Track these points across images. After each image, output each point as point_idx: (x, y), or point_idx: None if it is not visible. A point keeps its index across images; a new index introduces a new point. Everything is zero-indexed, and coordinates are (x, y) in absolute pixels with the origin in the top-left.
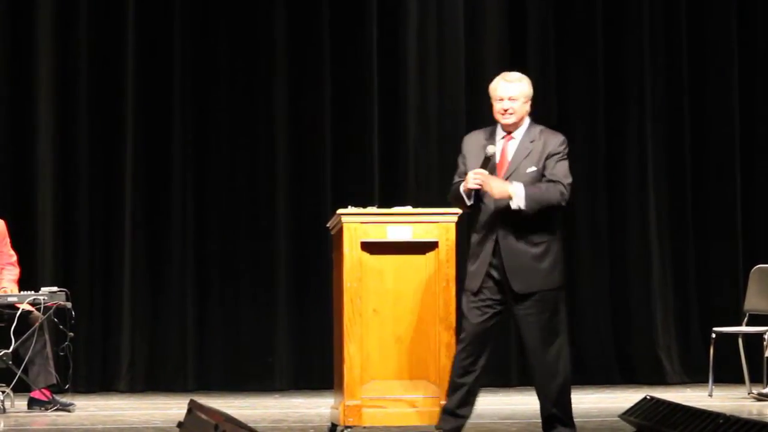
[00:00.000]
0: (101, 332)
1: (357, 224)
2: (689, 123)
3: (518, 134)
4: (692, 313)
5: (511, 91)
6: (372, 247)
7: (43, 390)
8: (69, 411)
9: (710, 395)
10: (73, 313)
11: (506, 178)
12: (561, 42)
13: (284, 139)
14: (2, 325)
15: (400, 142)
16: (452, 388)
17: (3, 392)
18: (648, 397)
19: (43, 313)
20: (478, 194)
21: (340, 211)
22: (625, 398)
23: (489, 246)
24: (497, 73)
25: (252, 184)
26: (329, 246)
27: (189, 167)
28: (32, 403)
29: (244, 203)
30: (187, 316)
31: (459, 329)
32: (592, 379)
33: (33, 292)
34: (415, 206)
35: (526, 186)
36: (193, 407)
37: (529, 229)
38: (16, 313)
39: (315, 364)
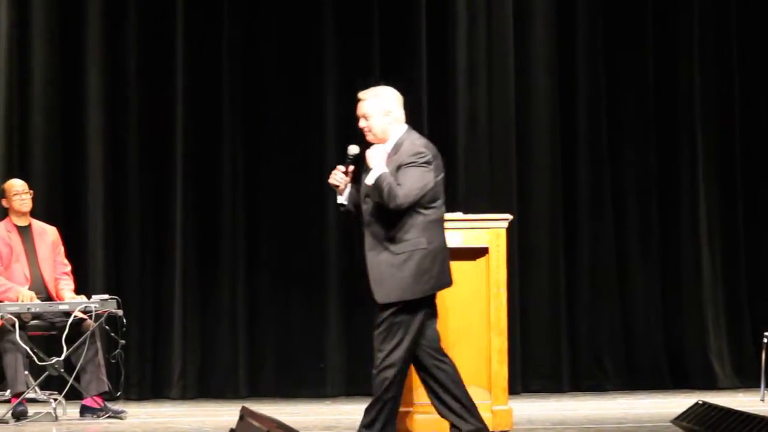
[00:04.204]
0: (152, 340)
1: None
2: (739, 125)
3: (388, 146)
4: (744, 317)
5: (363, 109)
6: None
7: (95, 397)
8: (121, 418)
9: (762, 400)
10: (125, 320)
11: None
12: (610, 44)
13: (334, 145)
14: (54, 333)
15: (450, 149)
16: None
17: (55, 400)
18: (700, 402)
19: (95, 321)
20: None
21: None
22: (677, 403)
23: (365, 256)
24: (546, 80)
25: (303, 189)
26: None
27: (240, 174)
28: (84, 411)
29: (296, 209)
30: (238, 322)
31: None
32: (643, 384)
33: (85, 300)
34: (465, 209)
35: (384, 174)
36: (244, 414)
37: (391, 240)
38: (68, 321)
39: (367, 371)
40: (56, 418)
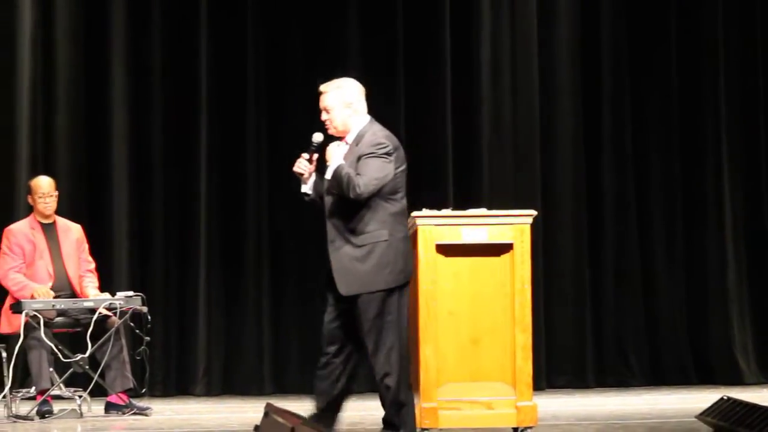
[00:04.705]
0: (177, 336)
1: (432, 227)
2: (764, 127)
3: (349, 138)
4: None
5: (325, 102)
6: (447, 250)
7: (119, 394)
8: (146, 415)
9: None
10: (149, 317)
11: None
12: (635, 44)
13: None
14: (79, 330)
15: (474, 145)
16: (315, 391)
17: (80, 397)
18: (725, 398)
19: (120, 318)
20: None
21: (414, 214)
22: (702, 399)
23: (327, 248)
24: (571, 75)
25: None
26: None
27: (264, 173)
28: (109, 408)
29: (320, 207)
30: (262, 319)
31: (534, 332)
32: (668, 379)
33: (109, 297)
34: (489, 208)
35: (341, 165)
36: (269, 410)
37: (352, 232)
38: (92, 318)
39: None
40: (81, 415)
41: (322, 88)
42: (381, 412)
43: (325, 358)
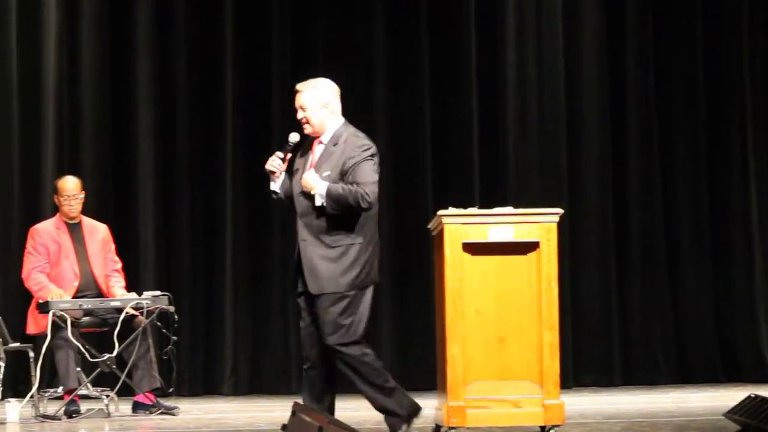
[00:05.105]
0: (204, 336)
1: (458, 225)
2: None
3: (325, 138)
4: None
5: (301, 101)
6: (473, 248)
7: (147, 394)
8: (173, 414)
9: None
10: (176, 317)
11: None
12: (660, 37)
13: (386, 142)
14: (106, 329)
15: (500, 144)
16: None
17: (107, 396)
18: (752, 396)
19: (146, 317)
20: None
21: (440, 212)
22: (730, 397)
23: (296, 248)
24: (596, 73)
25: None
26: (430, 247)
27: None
28: (136, 407)
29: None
30: (289, 317)
31: (561, 330)
32: (696, 377)
33: (136, 296)
34: (515, 207)
35: (329, 186)
36: (296, 410)
37: (326, 232)
38: (119, 318)
39: (418, 366)
40: (108, 415)
41: (299, 87)
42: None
43: (307, 363)
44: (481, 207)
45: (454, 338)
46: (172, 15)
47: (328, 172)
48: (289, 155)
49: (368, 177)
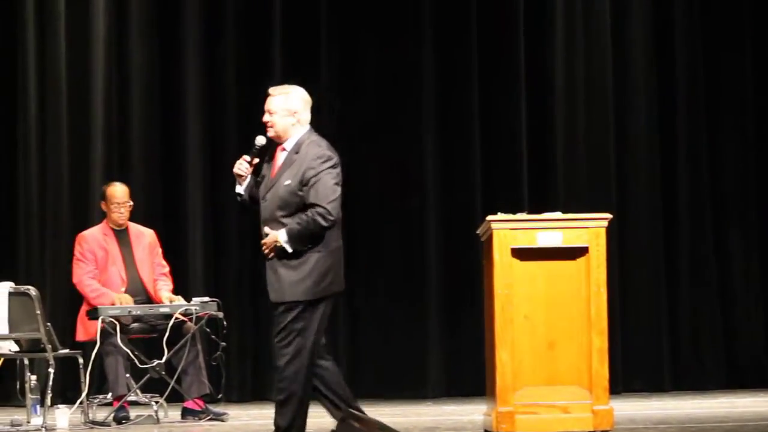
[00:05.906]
0: (253, 341)
1: (507, 230)
2: None
3: (288, 145)
4: None
5: (270, 105)
6: (522, 253)
7: (196, 400)
8: (222, 420)
9: None
10: (225, 323)
11: (269, 189)
12: (709, 45)
13: (434, 147)
14: (155, 335)
15: (549, 149)
16: None
17: (156, 402)
18: None
19: (196, 323)
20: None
21: (489, 217)
22: None
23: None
24: (642, 83)
25: (402, 192)
26: (480, 253)
27: None
28: (186, 413)
29: (394, 212)
30: (338, 323)
31: (610, 336)
32: (745, 382)
33: (185, 303)
34: (564, 212)
35: (287, 230)
36: (345, 416)
37: None
38: (168, 324)
39: (467, 371)
40: (158, 421)
41: (271, 90)
42: (382, 415)
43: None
44: (530, 212)
45: (504, 344)
46: (221, 20)
47: (289, 181)
48: (256, 159)
49: (327, 193)
